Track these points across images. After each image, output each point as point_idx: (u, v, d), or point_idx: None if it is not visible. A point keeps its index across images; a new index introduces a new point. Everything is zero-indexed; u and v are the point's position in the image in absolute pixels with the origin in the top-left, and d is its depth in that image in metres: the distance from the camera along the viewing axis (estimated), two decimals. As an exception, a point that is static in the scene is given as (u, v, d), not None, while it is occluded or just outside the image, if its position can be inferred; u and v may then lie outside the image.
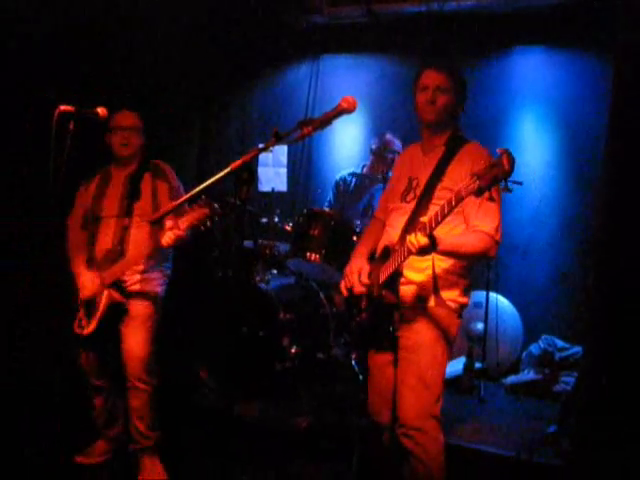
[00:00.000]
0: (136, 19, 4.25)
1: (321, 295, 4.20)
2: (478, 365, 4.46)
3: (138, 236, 3.19)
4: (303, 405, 3.79)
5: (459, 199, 2.16)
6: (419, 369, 2.53)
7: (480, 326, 4.64)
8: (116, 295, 3.14)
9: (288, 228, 4.41)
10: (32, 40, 3.84)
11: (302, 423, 3.63)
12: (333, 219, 3.96)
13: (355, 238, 3.90)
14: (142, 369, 3.18)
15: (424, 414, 2.50)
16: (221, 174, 2.12)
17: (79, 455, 3.34)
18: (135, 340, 3.18)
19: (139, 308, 3.21)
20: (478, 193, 2.10)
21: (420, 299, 2.56)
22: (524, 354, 4.82)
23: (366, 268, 2.66)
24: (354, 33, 5.49)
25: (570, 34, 4.87)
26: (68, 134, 2.75)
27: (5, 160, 3.86)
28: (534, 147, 5.02)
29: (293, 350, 3.91)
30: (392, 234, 2.64)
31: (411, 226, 2.50)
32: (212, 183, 2.15)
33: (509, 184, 2.07)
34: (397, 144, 4.74)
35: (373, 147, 4.81)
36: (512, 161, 2.03)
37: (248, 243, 4.41)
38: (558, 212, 4.92)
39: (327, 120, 2.15)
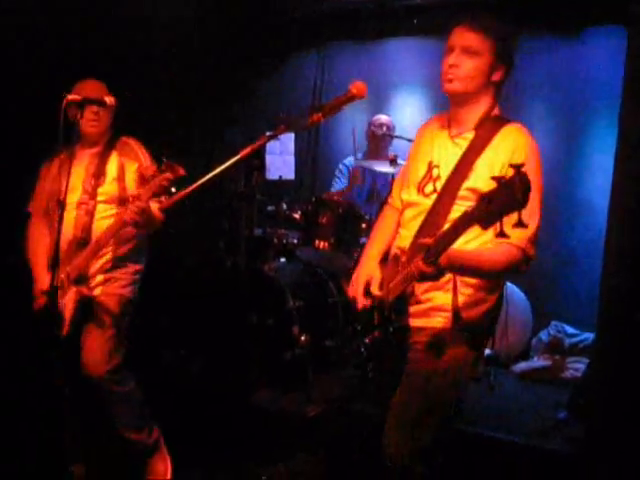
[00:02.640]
0: (140, 15, 4.22)
1: (330, 283, 4.20)
2: (488, 352, 4.46)
3: (104, 225, 2.85)
4: (312, 393, 3.80)
5: (467, 222, 1.69)
6: (421, 400, 2.14)
7: (489, 313, 4.63)
8: (84, 290, 2.83)
9: (297, 216, 4.41)
10: (39, 36, 3.81)
11: (311, 411, 3.64)
12: (341, 206, 3.96)
13: (364, 225, 3.90)
14: (106, 379, 2.87)
15: (415, 453, 2.12)
16: (230, 162, 2.11)
17: None
18: (92, 352, 2.87)
19: (99, 316, 2.90)
20: (483, 225, 1.61)
21: (436, 321, 2.15)
22: (534, 341, 4.81)
23: (377, 276, 2.22)
24: (361, 20, 5.45)
25: (579, 19, 4.82)
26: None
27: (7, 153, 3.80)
28: (542, 133, 4.98)
29: (303, 338, 3.91)
30: (405, 237, 2.22)
31: (426, 229, 2.10)
32: (221, 171, 2.13)
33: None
34: (383, 118, 4.78)
35: (373, 131, 4.82)
36: (525, 185, 1.43)
37: (257, 231, 4.41)
38: (567, 197, 4.89)
39: (337, 106, 2.11)
